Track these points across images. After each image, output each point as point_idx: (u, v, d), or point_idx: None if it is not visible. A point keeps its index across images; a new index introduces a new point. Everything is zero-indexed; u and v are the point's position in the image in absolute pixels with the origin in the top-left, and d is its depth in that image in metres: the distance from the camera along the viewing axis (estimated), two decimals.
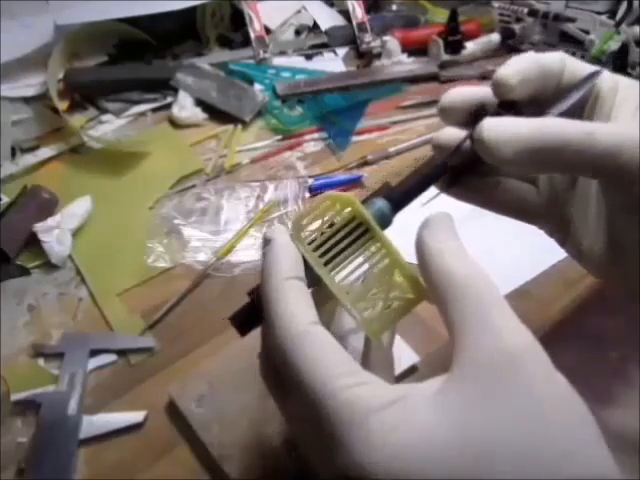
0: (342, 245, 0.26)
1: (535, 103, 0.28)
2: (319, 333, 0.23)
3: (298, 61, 0.82)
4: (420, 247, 0.25)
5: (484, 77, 0.78)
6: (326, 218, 0.27)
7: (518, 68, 0.27)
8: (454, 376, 0.21)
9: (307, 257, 0.27)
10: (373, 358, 0.29)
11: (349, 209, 0.26)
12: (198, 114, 0.70)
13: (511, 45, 0.85)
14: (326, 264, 0.26)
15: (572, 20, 0.83)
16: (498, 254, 0.48)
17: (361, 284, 0.28)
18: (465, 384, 0.20)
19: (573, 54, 0.78)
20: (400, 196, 0.27)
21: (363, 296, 0.27)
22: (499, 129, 0.24)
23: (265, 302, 0.24)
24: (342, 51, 0.84)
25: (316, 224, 0.27)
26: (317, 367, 0.22)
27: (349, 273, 0.27)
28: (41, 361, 0.44)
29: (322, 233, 0.27)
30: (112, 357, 0.44)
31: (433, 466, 0.19)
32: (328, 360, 0.22)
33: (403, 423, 0.20)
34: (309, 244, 0.27)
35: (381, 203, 0.27)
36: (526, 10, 0.85)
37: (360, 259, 0.27)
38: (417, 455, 0.19)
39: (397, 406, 0.20)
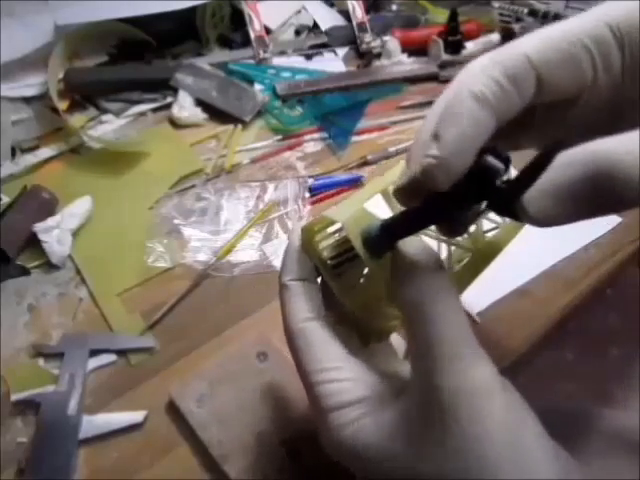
0: (347, 256, 0.28)
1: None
2: (311, 330, 0.27)
3: (298, 61, 0.82)
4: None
5: None
6: (332, 230, 0.29)
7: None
8: (403, 400, 0.24)
9: (314, 261, 0.28)
10: (375, 348, 0.31)
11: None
12: (198, 114, 0.69)
13: None
14: (334, 268, 0.28)
15: None
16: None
17: (360, 291, 0.29)
18: (406, 410, 0.23)
19: None
20: (392, 223, 0.25)
21: (361, 301, 0.28)
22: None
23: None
24: (342, 51, 0.84)
25: (328, 232, 0.29)
26: (302, 361, 0.27)
27: (351, 279, 0.29)
28: (41, 361, 0.44)
29: (334, 241, 0.29)
30: (112, 357, 0.44)
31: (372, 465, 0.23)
32: (310, 356, 0.26)
33: (352, 425, 0.24)
34: (321, 249, 0.28)
35: (374, 227, 0.25)
36: (526, 10, 0.85)
37: (363, 270, 0.29)
38: (360, 455, 0.24)
39: (354, 407, 0.24)
